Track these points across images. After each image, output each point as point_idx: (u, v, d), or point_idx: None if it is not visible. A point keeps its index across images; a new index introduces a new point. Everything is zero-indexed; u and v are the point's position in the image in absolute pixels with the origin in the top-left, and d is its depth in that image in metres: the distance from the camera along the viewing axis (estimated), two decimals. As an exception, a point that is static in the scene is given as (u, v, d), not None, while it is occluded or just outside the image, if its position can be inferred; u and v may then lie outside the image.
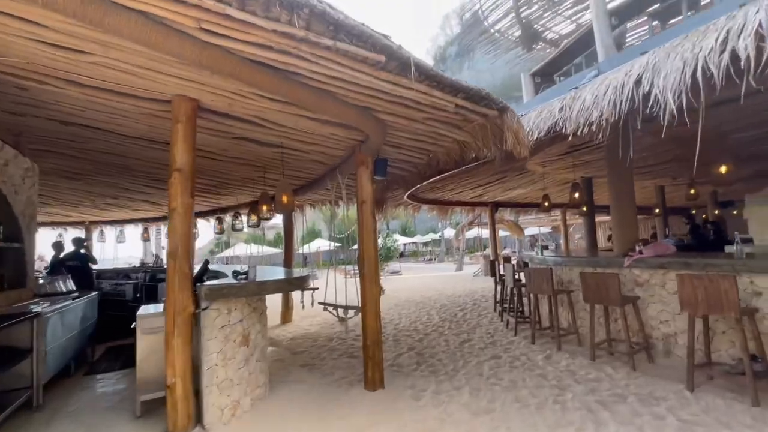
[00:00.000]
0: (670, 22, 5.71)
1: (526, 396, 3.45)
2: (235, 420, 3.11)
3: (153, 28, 2.06)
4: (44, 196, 6.95)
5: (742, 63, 1.76)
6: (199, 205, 8.95)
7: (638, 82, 2.42)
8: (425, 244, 40.26)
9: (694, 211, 12.81)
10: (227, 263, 28.24)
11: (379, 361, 3.68)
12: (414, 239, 37.23)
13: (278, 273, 4.53)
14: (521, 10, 8.58)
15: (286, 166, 5.17)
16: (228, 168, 5.48)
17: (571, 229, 19.06)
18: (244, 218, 6.75)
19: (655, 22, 5.77)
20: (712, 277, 3.31)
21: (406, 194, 8.81)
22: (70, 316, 4.05)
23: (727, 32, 1.90)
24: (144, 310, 3.60)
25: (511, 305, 6.30)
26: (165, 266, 3.00)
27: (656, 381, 3.63)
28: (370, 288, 3.68)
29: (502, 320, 6.64)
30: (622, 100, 2.48)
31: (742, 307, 3.24)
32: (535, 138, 3.50)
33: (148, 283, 6.45)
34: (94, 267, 6.67)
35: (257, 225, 6.18)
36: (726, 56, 1.84)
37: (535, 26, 8.59)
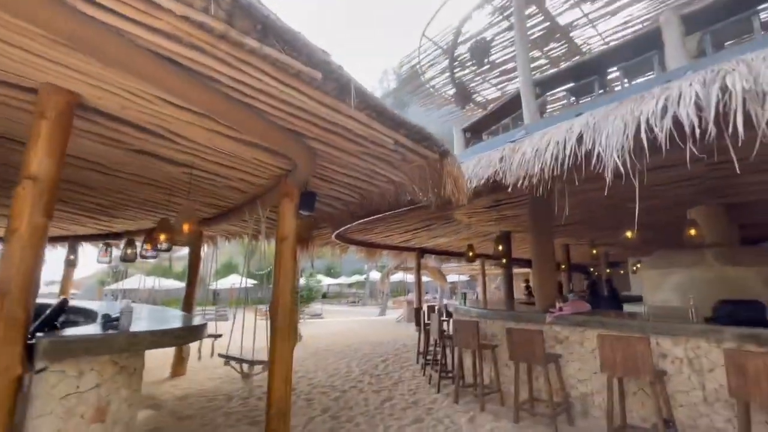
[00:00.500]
0: (582, 100, 6.50)
1: (451, 473, 3.04)
2: None
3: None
4: None
5: (686, 128, 1.82)
6: (84, 227, 7.47)
7: (580, 139, 2.46)
8: (350, 285, 39.34)
9: (592, 269, 14.30)
10: (119, 298, 24.32)
11: (285, 435, 3.02)
12: (339, 280, 36.18)
13: (168, 319, 3.70)
14: (455, 71, 9.24)
15: (197, 192, 4.47)
16: (126, 186, 4.58)
17: (487, 279, 20.02)
18: (142, 246, 5.66)
19: (572, 99, 6.51)
20: (629, 339, 3.37)
21: (334, 234, 8.37)
22: None
23: (666, 99, 1.99)
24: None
25: (435, 358, 6.00)
26: None
27: (579, 448, 3.50)
28: (282, 344, 3.10)
29: (424, 374, 6.28)
30: (565, 156, 2.49)
31: (654, 370, 3.31)
32: (473, 186, 3.42)
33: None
34: None
35: (154, 256, 5.20)
36: (668, 120, 1.91)
37: (468, 86, 9.30)
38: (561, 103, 7.43)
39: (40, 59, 2.08)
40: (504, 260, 8.95)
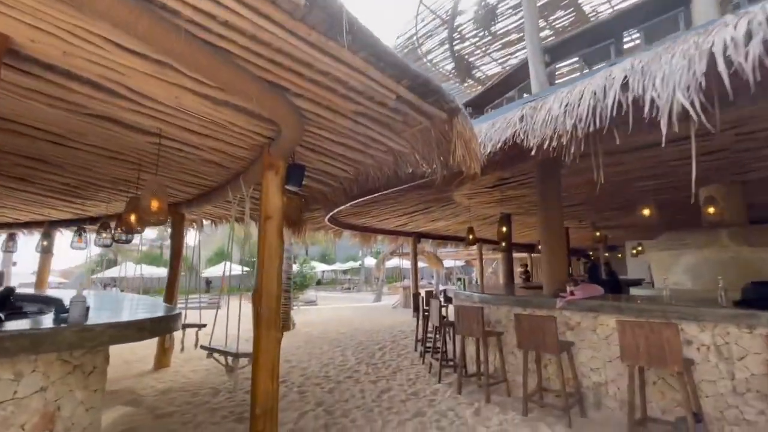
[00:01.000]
0: (594, 68, 6.06)
1: (460, 476, 2.73)
2: None
3: None
4: None
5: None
6: (58, 211, 6.96)
7: (625, 85, 2.05)
8: (345, 272, 39.16)
9: (591, 253, 14.11)
10: (108, 286, 23.79)
11: (272, 437, 2.67)
12: (333, 267, 35.94)
13: (141, 308, 3.30)
14: (455, 43, 8.71)
15: (171, 167, 4.01)
16: (90, 162, 4.11)
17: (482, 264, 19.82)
18: (115, 230, 5.19)
19: (585, 70, 6.06)
20: (654, 325, 3.04)
21: (327, 216, 7.95)
22: None
23: (749, 23, 1.59)
24: None
25: (435, 346, 5.69)
26: None
27: (597, 443, 3.21)
28: (267, 335, 2.72)
29: (423, 362, 5.98)
30: (605, 107, 2.08)
31: (682, 360, 2.99)
32: (487, 152, 3.00)
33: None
34: None
35: (128, 240, 4.76)
36: (756, 47, 1.51)
37: (468, 60, 8.79)
38: (571, 77, 6.97)
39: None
40: (504, 243, 8.63)
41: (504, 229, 6.20)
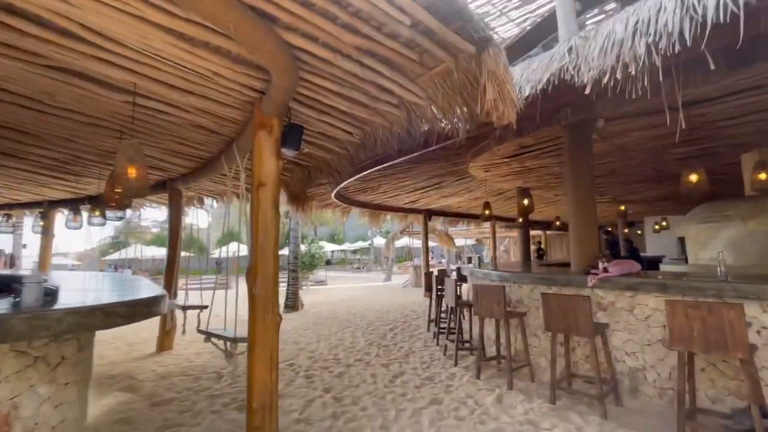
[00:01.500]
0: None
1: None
2: None
3: None
4: None
5: None
6: (54, 190, 6.67)
7: None
8: (354, 252, 39.09)
9: (610, 229, 13.51)
10: (119, 269, 24.06)
11: (272, 434, 2.35)
12: (343, 247, 35.84)
13: (128, 290, 2.98)
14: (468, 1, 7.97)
15: (159, 134, 3.61)
16: (69, 130, 3.73)
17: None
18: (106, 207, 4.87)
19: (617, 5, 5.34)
20: (714, 306, 2.61)
21: (334, 192, 7.56)
22: None
23: None
24: None
25: (451, 328, 5.35)
26: None
27: (640, 437, 2.85)
28: (264, 320, 2.35)
29: (437, 344, 5.66)
30: (708, 12, 1.57)
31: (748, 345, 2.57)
32: (525, 95, 2.51)
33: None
34: None
35: (120, 218, 4.43)
36: None
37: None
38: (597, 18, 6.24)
39: None
40: (522, 219, 8.16)
41: (525, 201, 5.72)
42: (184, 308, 4.59)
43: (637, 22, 1.87)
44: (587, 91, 2.06)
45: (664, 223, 11.44)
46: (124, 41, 2.15)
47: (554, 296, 3.55)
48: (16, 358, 1.81)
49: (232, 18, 1.66)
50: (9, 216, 7.51)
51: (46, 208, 7.47)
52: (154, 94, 2.73)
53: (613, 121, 4.34)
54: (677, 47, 1.64)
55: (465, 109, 2.26)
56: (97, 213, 4.97)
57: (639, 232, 15.23)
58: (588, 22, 5.68)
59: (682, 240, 13.25)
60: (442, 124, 2.53)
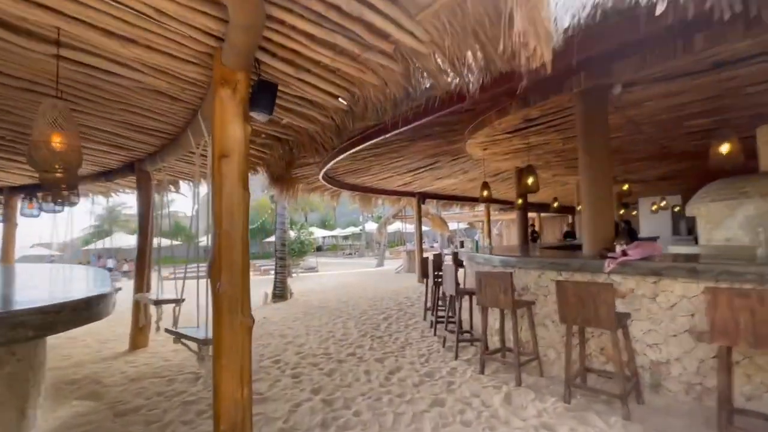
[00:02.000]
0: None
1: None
2: None
3: None
4: None
5: None
6: (9, 173, 6.02)
7: None
8: (345, 237, 38.68)
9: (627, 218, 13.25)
10: (101, 258, 23.27)
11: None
12: (334, 232, 35.36)
13: (59, 287, 2.49)
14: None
15: (110, 102, 3.05)
16: (6, 100, 3.14)
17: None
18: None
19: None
20: (765, 294, 2.23)
21: (322, 173, 7.03)
22: None
23: None
24: None
25: (449, 317, 4.97)
26: None
27: (672, 444, 2.50)
28: (231, 324, 1.90)
29: (435, 334, 5.30)
30: None
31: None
32: (564, 28, 2.02)
33: None
34: None
35: (71, 204, 3.88)
36: None
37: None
38: None
39: None
40: (520, 201, 7.77)
41: (530, 180, 5.29)
42: (157, 303, 4.11)
43: None
44: (658, 13, 1.57)
45: (663, 204, 11.18)
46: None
47: (570, 284, 3.15)
48: None
49: None
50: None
51: (6, 195, 6.83)
52: (88, 44, 2.18)
53: (630, 88, 3.90)
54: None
55: (480, 54, 1.78)
56: (49, 199, 4.40)
57: (634, 213, 15.03)
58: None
59: (677, 220, 13.08)
60: (449, 79, 2.05)
